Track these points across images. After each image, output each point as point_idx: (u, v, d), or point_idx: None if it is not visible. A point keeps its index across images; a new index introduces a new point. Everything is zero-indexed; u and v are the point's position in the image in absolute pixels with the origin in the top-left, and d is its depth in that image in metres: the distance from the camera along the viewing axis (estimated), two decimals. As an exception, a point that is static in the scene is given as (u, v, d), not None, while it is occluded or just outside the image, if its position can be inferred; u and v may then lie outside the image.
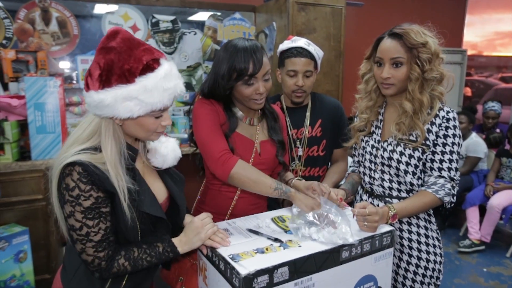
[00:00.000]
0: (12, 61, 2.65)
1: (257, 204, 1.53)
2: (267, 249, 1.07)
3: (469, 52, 5.32)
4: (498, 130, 4.12)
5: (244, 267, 0.97)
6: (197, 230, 1.13)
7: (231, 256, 1.03)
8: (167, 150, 1.20)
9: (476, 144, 3.76)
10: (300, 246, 1.09)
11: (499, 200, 3.35)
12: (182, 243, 1.12)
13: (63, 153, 1.01)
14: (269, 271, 0.97)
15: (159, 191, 1.18)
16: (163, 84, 1.00)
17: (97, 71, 0.98)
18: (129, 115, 0.99)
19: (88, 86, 1.00)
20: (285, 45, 1.74)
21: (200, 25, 3.37)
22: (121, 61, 0.97)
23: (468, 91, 6.95)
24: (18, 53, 2.66)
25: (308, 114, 1.81)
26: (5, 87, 2.62)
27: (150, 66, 1.00)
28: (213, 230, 1.13)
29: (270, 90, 1.42)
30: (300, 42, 1.71)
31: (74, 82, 2.91)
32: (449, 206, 1.38)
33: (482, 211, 3.49)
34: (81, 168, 0.97)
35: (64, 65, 2.91)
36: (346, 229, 1.12)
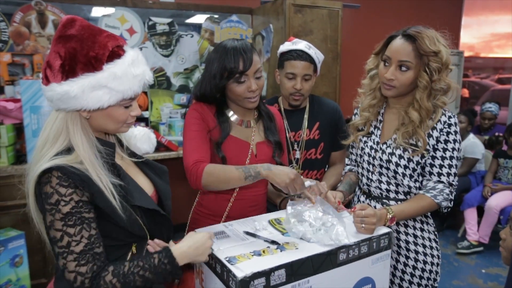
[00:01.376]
0: (8, 64, 2.65)
1: (256, 206, 1.52)
2: (264, 251, 1.06)
3: (466, 54, 5.34)
4: (497, 134, 4.12)
5: (241, 270, 0.96)
6: (203, 248, 1.03)
7: (227, 259, 1.02)
8: (142, 137, 1.17)
9: (473, 145, 3.76)
10: (297, 248, 1.08)
11: (497, 201, 3.36)
12: (183, 255, 0.99)
13: (36, 160, 0.95)
14: (266, 273, 0.96)
15: (145, 185, 1.12)
16: (132, 71, 0.95)
17: (58, 61, 0.91)
18: (99, 105, 0.92)
19: (48, 79, 0.93)
20: (286, 46, 1.73)
21: (197, 27, 3.37)
22: (85, 49, 0.91)
23: (466, 93, 6.97)
24: (14, 56, 2.66)
25: (306, 116, 1.81)
26: (1, 91, 2.62)
27: (116, 53, 0.94)
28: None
29: (262, 88, 1.42)
30: (301, 45, 1.70)
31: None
32: (445, 210, 1.38)
33: (480, 212, 3.49)
34: (60, 172, 0.90)
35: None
36: (342, 230, 1.11)
